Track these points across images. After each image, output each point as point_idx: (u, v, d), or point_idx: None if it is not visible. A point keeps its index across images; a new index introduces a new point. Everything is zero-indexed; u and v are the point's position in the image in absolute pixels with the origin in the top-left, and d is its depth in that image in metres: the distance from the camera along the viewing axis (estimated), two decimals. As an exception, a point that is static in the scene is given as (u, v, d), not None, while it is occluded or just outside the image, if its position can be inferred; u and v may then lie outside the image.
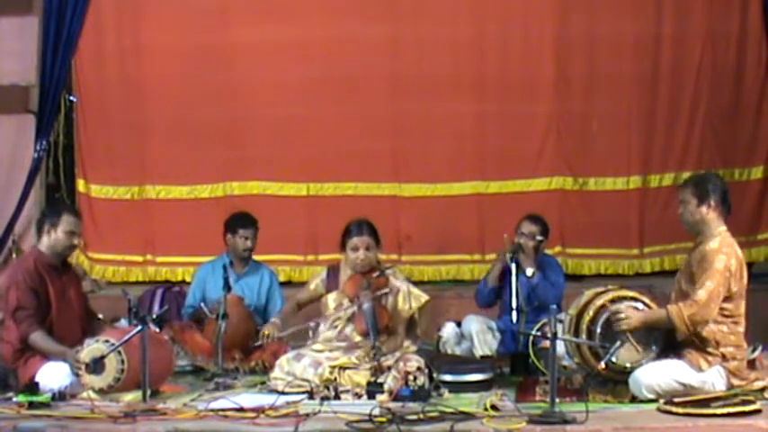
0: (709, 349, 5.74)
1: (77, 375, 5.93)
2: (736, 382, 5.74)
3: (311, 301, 6.78)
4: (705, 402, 5.47)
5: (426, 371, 6.09)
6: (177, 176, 9.16)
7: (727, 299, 5.75)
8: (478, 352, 7.07)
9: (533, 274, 7.17)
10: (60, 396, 5.87)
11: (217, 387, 6.36)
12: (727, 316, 5.77)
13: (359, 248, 6.50)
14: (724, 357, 5.74)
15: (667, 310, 5.72)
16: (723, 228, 5.88)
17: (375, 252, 6.56)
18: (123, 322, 7.29)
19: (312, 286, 6.76)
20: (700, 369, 5.71)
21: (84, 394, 5.88)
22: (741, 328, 5.85)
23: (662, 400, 5.58)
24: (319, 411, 5.50)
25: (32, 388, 5.85)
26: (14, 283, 6.16)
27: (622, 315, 5.73)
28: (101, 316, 6.78)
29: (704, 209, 5.87)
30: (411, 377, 5.93)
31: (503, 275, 7.24)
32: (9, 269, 6.45)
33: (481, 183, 9.07)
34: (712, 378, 5.71)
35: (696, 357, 5.73)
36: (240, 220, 7.64)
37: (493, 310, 7.43)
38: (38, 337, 6.08)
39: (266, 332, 6.65)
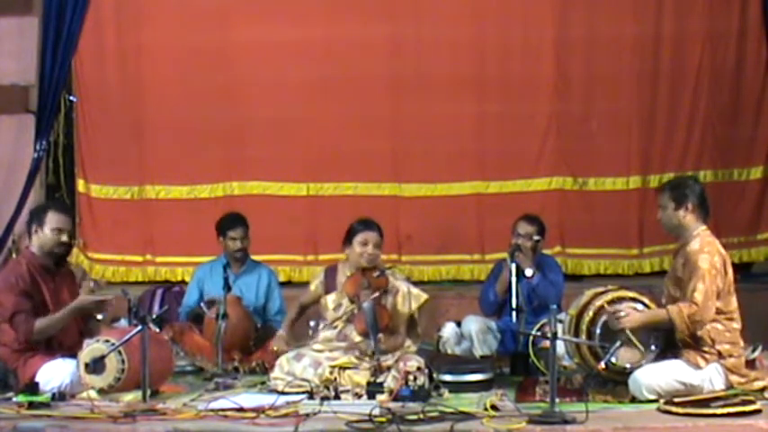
0: (705, 348, 5.75)
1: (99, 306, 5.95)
2: (734, 379, 5.74)
3: (313, 303, 6.76)
4: (705, 402, 5.48)
5: (426, 371, 6.09)
6: (177, 176, 9.16)
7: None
8: (478, 352, 7.07)
9: (533, 274, 7.18)
10: (60, 396, 5.87)
11: (217, 387, 6.35)
12: (718, 313, 5.77)
13: (368, 243, 6.47)
14: (720, 355, 5.75)
15: (668, 310, 5.74)
16: (702, 227, 5.91)
17: (380, 251, 6.56)
18: (123, 322, 7.28)
19: (312, 288, 6.75)
20: (698, 367, 5.72)
21: (84, 394, 5.88)
22: (736, 325, 5.85)
23: (662, 400, 5.58)
24: (319, 411, 5.50)
25: (32, 388, 5.84)
26: (9, 287, 6.12)
27: (623, 313, 5.74)
28: (100, 316, 6.75)
29: (681, 212, 5.91)
30: (411, 377, 5.93)
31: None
32: (2, 273, 6.41)
33: (481, 183, 9.07)
34: (711, 375, 5.72)
35: (693, 356, 5.74)
36: (228, 222, 7.64)
37: (493, 310, 7.45)
38: (41, 325, 6.04)
39: (275, 348, 6.63)
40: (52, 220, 6.22)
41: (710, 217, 6.01)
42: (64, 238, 6.23)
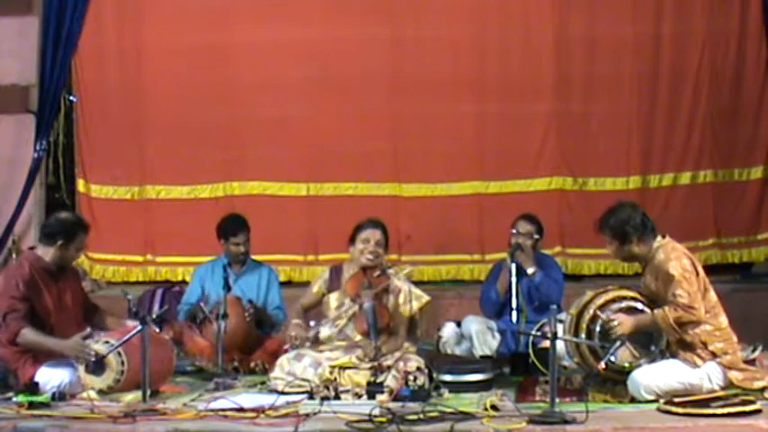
0: (698, 350, 5.74)
1: (84, 364, 5.91)
2: (734, 375, 5.73)
3: (316, 304, 6.74)
4: (705, 402, 5.48)
5: (426, 371, 6.09)
6: (177, 176, 9.16)
7: None
8: (478, 352, 7.07)
9: (534, 272, 7.18)
10: (60, 396, 5.87)
11: (217, 387, 6.35)
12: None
13: (370, 240, 6.50)
14: (714, 355, 5.75)
15: (653, 315, 5.75)
16: (658, 239, 5.91)
17: (384, 252, 6.56)
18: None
19: (315, 288, 6.74)
20: (695, 365, 5.72)
21: (85, 394, 5.88)
22: (723, 319, 5.85)
23: (662, 400, 5.58)
24: (319, 411, 5.51)
25: (32, 388, 5.85)
26: (9, 289, 6.12)
27: (615, 322, 5.74)
28: None
29: (627, 246, 5.94)
30: (411, 377, 5.93)
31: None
32: (5, 274, 6.39)
33: (481, 183, 9.07)
34: (709, 373, 5.72)
35: (690, 356, 5.74)
36: (229, 227, 7.59)
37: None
38: (28, 334, 6.02)
39: (293, 333, 6.50)
40: (80, 241, 6.29)
41: (658, 229, 5.97)
42: (81, 253, 6.40)
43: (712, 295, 5.88)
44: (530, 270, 7.18)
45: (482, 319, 7.27)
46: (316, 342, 6.49)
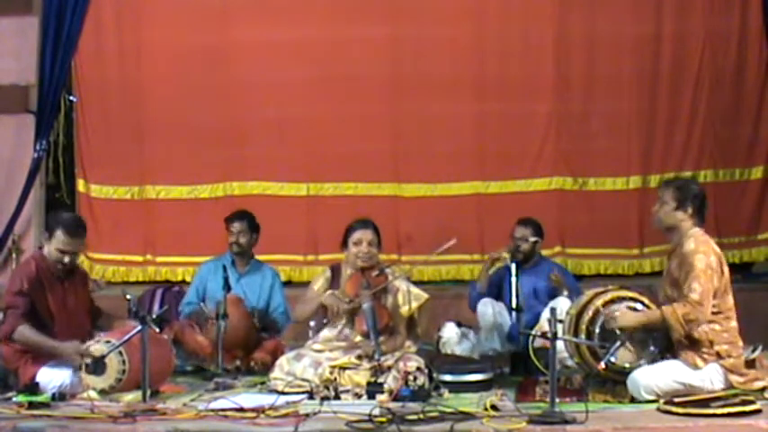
0: (704, 349, 5.74)
1: (79, 368, 5.90)
2: (734, 378, 5.73)
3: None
4: (705, 402, 5.47)
5: (426, 371, 6.09)
6: (177, 176, 9.16)
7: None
8: (485, 347, 7.08)
9: (568, 295, 7.09)
10: (60, 396, 5.87)
11: (217, 387, 6.35)
12: (715, 313, 5.76)
13: (362, 242, 6.49)
14: (719, 355, 5.74)
15: (662, 311, 5.74)
16: (695, 228, 5.90)
17: (377, 250, 6.56)
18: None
19: (316, 287, 6.71)
20: (696, 367, 5.71)
21: (85, 394, 5.89)
22: (733, 323, 5.84)
23: (662, 400, 5.58)
24: (319, 411, 5.50)
25: (32, 388, 5.85)
26: (12, 286, 6.14)
27: (617, 313, 5.75)
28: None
29: (680, 214, 5.91)
30: (411, 377, 5.93)
31: (503, 276, 7.28)
32: (14, 272, 6.42)
33: (481, 183, 9.08)
34: (710, 375, 5.71)
35: (692, 356, 5.74)
36: (232, 215, 7.65)
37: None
38: (25, 330, 6.00)
39: (328, 303, 6.36)
40: (59, 240, 6.17)
41: (704, 224, 5.99)
42: (66, 259, 6.19)
43: (730, 298, 5.86)
44: (564, 293, 7.13)
45: (496, 312, 7.24)
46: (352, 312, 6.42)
